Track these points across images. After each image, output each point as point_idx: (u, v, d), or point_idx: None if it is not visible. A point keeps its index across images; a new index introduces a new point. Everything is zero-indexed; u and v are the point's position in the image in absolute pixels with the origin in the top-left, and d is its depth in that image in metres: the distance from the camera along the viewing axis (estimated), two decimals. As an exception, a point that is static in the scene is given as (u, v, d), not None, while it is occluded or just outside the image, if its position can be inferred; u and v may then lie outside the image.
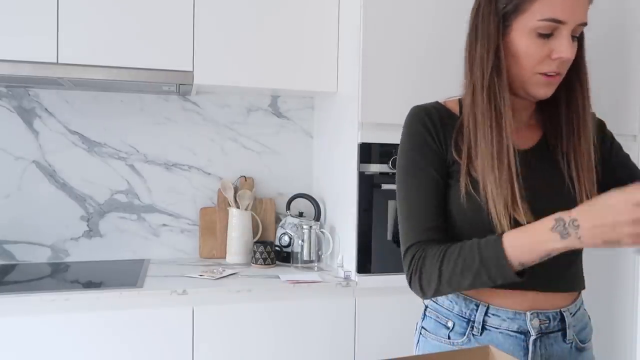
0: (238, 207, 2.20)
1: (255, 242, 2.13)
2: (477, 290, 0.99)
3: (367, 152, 1.85)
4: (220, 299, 1.78)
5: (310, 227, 2.12)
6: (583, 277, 1.06)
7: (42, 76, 1.82)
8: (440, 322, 1.04)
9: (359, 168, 1.85)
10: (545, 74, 0.93)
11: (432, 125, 1.00)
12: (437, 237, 0.97)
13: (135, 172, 2.23)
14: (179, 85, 1.97)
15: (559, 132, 1.01)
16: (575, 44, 0.94)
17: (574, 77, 1.00)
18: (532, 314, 0.97)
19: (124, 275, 1.92)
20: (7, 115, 2.10)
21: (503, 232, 0.90)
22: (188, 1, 1.92)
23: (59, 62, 1.81)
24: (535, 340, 0.97)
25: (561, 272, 1.00)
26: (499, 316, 0.98)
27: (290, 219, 2.20)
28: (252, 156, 2.36)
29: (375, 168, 1.86)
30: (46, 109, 2.14)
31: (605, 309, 2.15)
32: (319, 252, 2.17)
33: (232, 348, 1.78)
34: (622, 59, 2.13)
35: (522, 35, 0.92)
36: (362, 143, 1.84)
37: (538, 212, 0.90)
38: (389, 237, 1.88)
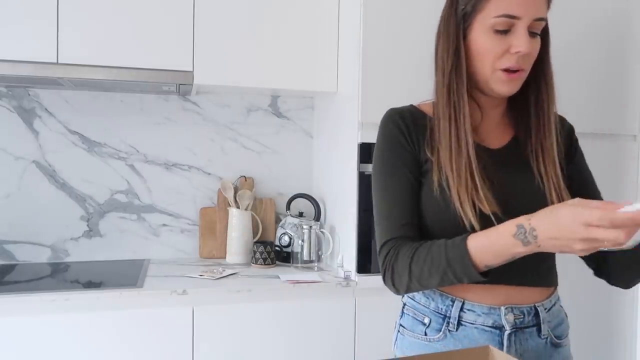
0: (238, 207, 2.20)
1: (255, 242, 2.13)
2: (453, 286, 1.01)
3: (367, 152, 1.85)
4: (220, 299, 1.78)
5: (310, 227, 2.12)
6: (556, 273, 1.08)
7: (42, 76, 1.82)
8: (417, 319, 1.06)
9: (359, 168, 1.85)
10: (506, 71, 0.96)
11: (406, 127, 1.03)
12: (411, 234, 1.00)
13: (135, 172, 2.23)
14: (179, 85, 1.97)
15: (528, 130, 1.04)
16: (538, 41, 0.97)
17: (540, 76, 1.03)
18: (506, 308, 0.99)
19: (124, 275, 1.92)
20: (7, 115, 2.10)
21: (469, 232, 0.93)
22: (188, 1, 1.92)
23: (59, 62, 1.81)
24: (510, 335, 0.99)
25: (534, 268, 1.02)
26: (474, 311, 1.00)
27: (290, 219, 2.20)
28: (252, 156, 2.36)
29: (375, 168, 1.86)
30: (46, 109, 2.14)
31: (606, 309, 2.16)
32: (319, 252, 2.17)
33: (232, 348, 1.78)
34: (622, 59, 2.13)
35: (481, 33, 0.96)
36: (362, 143, 1.84)
37: (511, 208, 0.94)
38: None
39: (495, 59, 0.95)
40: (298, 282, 1.85)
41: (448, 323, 1.01)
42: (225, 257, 2.21)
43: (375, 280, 1.86)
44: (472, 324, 1.00)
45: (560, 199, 0.99)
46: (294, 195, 2.30)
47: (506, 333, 0.99)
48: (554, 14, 2.13)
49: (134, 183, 2.23)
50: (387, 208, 1.02)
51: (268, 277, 1.94)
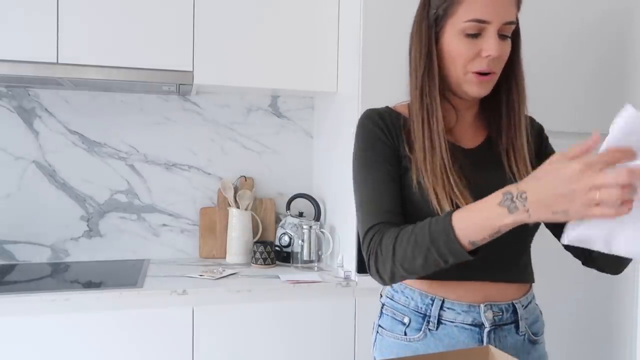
0: (238, 207, 2.20)
1: (255, 242, 2.13)
2: (431, 283, 1.02)
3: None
4: (220, 299, 1.78)
5: (310, 227, 2.12)
6: (532, 270, 1.10)
7: (42, 76, 1.82)
8: (396, 319, 1.06)
9: (359, 168, 1.85)
10: (478, 73, 0.98)
11: (384, 124, 1.05)
12: (396, 221, 0.98)
13: (135, 172, 2.23)
14: (179, 85, 1.97)
15: (500, 130, 1.06)
16: (508, 43, 0.99)
17: (511, 77, 1.05)
18: (485, 306, 1.01)
19: (124, 275, 1.92)
20: (7, 115, 2.10)
21: (455, 208, 0.91)
22: (188, 1, 1.92)
23: (59, 62, 1.81)
24: (489, 332, 1.01)
25: (511, 264, 1.04)
26: (453, 309, 1.01)
27: (290, 219, 2.20)
28: (252, 156, 2.36)
29: (375, 168, 1.86)
30: (46, 109, 2.14)
31: (606, 309, 2.16)
32: (319, 252, 2.17)
33: (232, 348, 1.78)
34: (622, 59, 2.13)
35: (452, 37, 0.98)
36: (362, 143, 1.84)
37: None
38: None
39: (467, 62, 0.97)
40: (298, 282, 1.85)
41: (428, 322, 1.02)
42: (225, 257, 2.21)
43: (375, 281, 1.86)
44: (452, 322, 1.01)
45: None
46: (294, 195, 2.30)
47: (486, 330, 1.00)
48: (554, 13, 2.14)
49: (134, 183, 2.23)
50: (369, 197, 1.01)
51: (268, 277, 1.94)
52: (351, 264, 1.90)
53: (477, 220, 0.83)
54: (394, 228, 0.95)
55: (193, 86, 2.00)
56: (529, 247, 1.09)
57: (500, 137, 1.05)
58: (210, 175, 2.32)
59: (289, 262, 2.16)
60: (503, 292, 1.03)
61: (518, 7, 1.00)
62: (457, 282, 1.01)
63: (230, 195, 2.21)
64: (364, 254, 0.99)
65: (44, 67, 1.80)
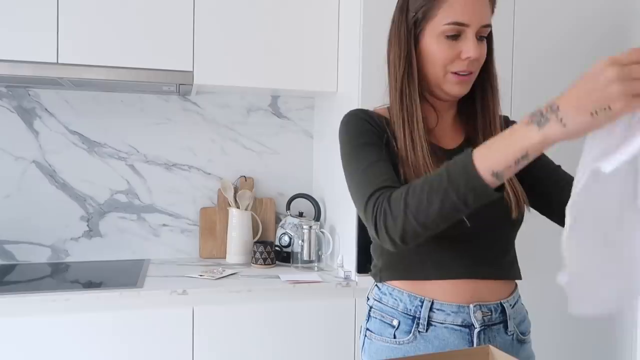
0: (238, 207, 2.20)
1: (255, 242, 2.13)
2: (419, 284, 1.02)
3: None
4: (220, 299, 1.78)
5: (310, 227, 2.12)
6: (518, 267, 1.11)
7: (42, 76, 1.82)
8: (385, 322, 1.06)
9: (359, 168, 1.85)
10: (457, 74, 1.00)
11: (372, 119, 1.06)
12: (399, 186, 0.92)
13: (135, 172, 2.23)
14: (179, 85, 1.97)
15: (477, 131, 1.08)
16: (484, 45, 1.02)
17: (486, 80, 1.07)
18: (475, 306, 1.01)
19: (124, 275, 1.92)
20: (7, 115, 2.10)
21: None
22: (188, 1, 1.92)
23: (59, 62, 1.81)
24: (479, 333, 1.01)
25: (497, 260, 1.05)
26: (443, 310, 1.01)
27: (290, 219, 2.20)
28: (252, 156, 2.36)
29: (375, 168, 1.86)
30: (46, 109, 2.14)
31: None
32: (319, 252, 2.17)
33: (232, 348, 1.78)
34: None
35: (432, 39, 1.00)
36: (362, 143, 1.84)
37: None
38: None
39: (446, 63, 1.00)
40: (298, 282, 1.85)
41: (418, 324, 1.02)
42: (225, 257, 2.21)
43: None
44: (441, 323, 1.01)
45: (513, 189, 1.03)
46: (294, 195, 2.30)
47: (475, 331, 1.01)
48: (553, 12, 2.13)
49: (134, 183, 2.23)
50: (366, 169, 0.96)
51: (268, 277, 1.94)
52: (351, 264, 1.90)
53: (500, 147, 0.75)
54: (401, 187, 0.89)
55: (193, 86, 2.00)
56: (513, 243, 1.10)
57: (478, 137, 1.07)
58: (210, 175, 2.32)
59: (289, 262, 2.16)
60: (491, 290, 1.03)
61: (492, 11, 1.04)
62: (445, 281, 1.01)
63: (230, 195, 2.21)
64: (368, 218, 0.91)
65: (44, 67, 1.80)
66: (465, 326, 1.01)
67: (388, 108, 1.09)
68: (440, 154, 1.04)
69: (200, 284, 1.81)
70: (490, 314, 1.02)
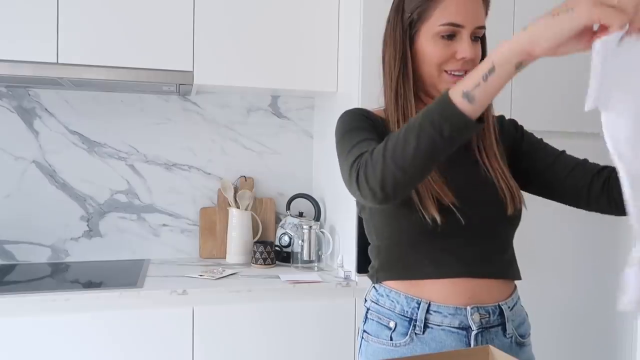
0: (238, 207, 2.20)
1: (255, 242, 2.13)
2: (416, 284, 1.02)
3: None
4: (220, 299, 1.78)
5: (310, 227, 2.12)
6: (517, 267, 1.10)
7: (42, 76, 1.82)
8: (382, 324, 1.05)
9: (359, 168, 1.85)
10: (452, 74, 1.02)
11: (369, 115, 1.08)
12: None
13: (135, 172, 2.23)
14: (179, 85, 1.97)
15: None
16: (479, 46, 1.04)
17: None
18: (472, 308, 1.00)
19: (124, 275, 1.92)
20: (7, 115, 2.10)
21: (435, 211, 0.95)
22: (188, 1, 1.92)
23: (59, 62, 1.81)
24: (476, 335, 1.00)
25: (495, 259, 1.04)
26: (440, 312, 1.00)
27: (290, 219, 2.20)
28: (252, 156, 2.36)
29: (375, 168, 1.86)
30: (46, 109, 2.14)
31: (607, 308, 2.16)
32: (319, 252, 2.17)
33: (232, 348, 1.78)
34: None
35: (428, 40, 1.02)
36: (362, 143, 1.84)
37: (467, 198, 1.00)
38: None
39: (442, 63, 1.01)
40: (298, 282, 1.85)
41: (414, 326, 1.01)
42: (225, 257, 2.21)
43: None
44: (438, 325, 1.00)
45: (508, 186, 1.04)
46: (294, 195, 2.30)
47: (473, 333, 1.00)
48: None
49: (134, 183, 2.23)
50: (354, 145, 0.96)
51: (268, 277, 1.94)
52: (351, 264, 1.90)
53: (473, 72, 0.78)
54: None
55: (193, 86, 2.00)
56: (511, 242, 1.10)
57: (472, 137, 1.08)
58: (210, 175, 2.32)
59: (289, 262, 2.16)
60: (489, 291, 1.02)
61: (486, 13, 1.05)
62: (442, 280, 1.01)
63: (230, 195, 2.21)
64: (352, 179, 0.90)
65: (44, 67, 1.80)
66: (462, 328, 1.00)
67: (384, 110, 1.09)
68: None
69: (200, 284, 1.81)
70: (487, 316, 1.01)
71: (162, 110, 2.26)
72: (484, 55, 1.07)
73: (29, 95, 2.12)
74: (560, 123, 2.02)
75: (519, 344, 1.06)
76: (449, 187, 1.00)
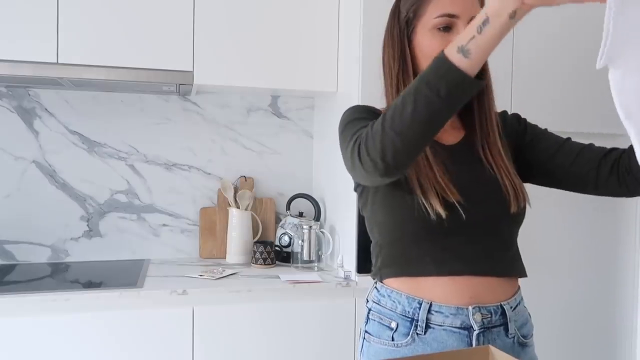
0: (238, 207, 2.20)
1: (255, 242, 2.13)
2: (417, 282, 1.02)
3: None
4: (220, 299, 1.78)
5: (310, 227, 2.12)
6: (522, 264, 1.10)
7: (42, 76, 1.82)
8: (383, 324, 1.05)
9: (359, 168, 1.85)
10: None
11: (374, 110, 1.09)
12: None
13: (135, 172, 2.23)
14: (179, 85, 1.97)
15: (474, 128, 1.09)
16: None
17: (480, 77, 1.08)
18: (474, 308, 1.00)
19: (124, 275, 1.92)
20: (7, 115, 2.10)
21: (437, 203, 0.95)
22: (188, 1, 1.92)
23: (59, 62, 1.81)
24: (478, 335, 1.00)
25: (498, 256, 1.04)
26: (442, 312, 1.00)
27: (290, 219, 2.20)
28: (252, 156, 2.36)
29: (375, 168, 1.86)
30: (46, 109, 2.14)
31: (607, 307, 2.16)
32: (319, 252, 2.17)
33: (232, 348, 1.78)
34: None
35: (425, 34, 1.03)
36: (362, 143, 1.84)
37: (472, 195, 1.00)
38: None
39: None
40: (298, 282, 1.85)
41: (416, 326, 1.01)
42: (225, 257, 2.21)
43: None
44: (440, 325, 1.00)
45: (512, 184, 1.04)
46: (294, 195, 2.30)
47: (475, 333, 1.00)
48: (553, 11, 2.13)
49: (134, 183, 2.23)
50: (355, 131, 0.96)
51: (268, 277, 1.93)
52: (351, 264, 1.90)
53: (468, 27, 0.78)
54: None
55: (193, 86, 2.00)
56: (515, 240, 1.09)
57: (475, 134, 1.09)
58: (210, 175, 2.32)
59: (289, 262, 2.16)
60: (491, 290, 1.02)
61: (482, 4, 1.03)
62: (444, 277, 1.00)
63: (230, 195, 2.21)
64: (354, 155, 0.90)
65: (44, 67, 1.80)
66: (464, 328, 1.00)
67: (387, 108, 1.09)
68: (440, 150, 1.05)
69: (200, 284, 1.81)
70: (489, 316, 1.01)
71: (162, 110, 2.26)
72: None
73: (29, 95, 2.12)
74: (560, 123, 2.02)
75: (522, 344, 1.05)
76: (452, 183, 1.00)
